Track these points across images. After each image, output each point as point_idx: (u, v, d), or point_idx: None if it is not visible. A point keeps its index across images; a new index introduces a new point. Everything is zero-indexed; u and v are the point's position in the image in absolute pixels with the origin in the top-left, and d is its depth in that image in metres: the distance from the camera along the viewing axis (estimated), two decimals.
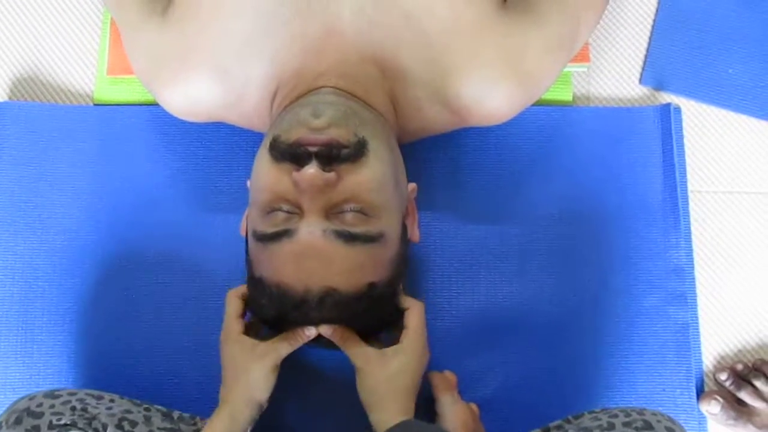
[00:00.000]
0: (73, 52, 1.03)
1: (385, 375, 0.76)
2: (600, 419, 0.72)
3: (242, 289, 0.81)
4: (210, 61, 0.82)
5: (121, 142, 0.98)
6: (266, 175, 0.74)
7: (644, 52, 1.03)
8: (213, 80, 0.83)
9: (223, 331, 0.81)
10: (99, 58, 1.02)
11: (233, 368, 0.78)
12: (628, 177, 0.97)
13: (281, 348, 0.77)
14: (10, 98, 1.02)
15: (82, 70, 1.03)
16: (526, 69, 0.82)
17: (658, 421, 0.70)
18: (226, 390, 0.78)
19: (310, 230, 0.70)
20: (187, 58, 0.83)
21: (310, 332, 0.75)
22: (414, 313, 0.79)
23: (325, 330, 0.75)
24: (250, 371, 0.77)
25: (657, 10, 1.04)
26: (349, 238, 0.71)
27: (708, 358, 0.95)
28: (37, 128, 0.98)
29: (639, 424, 0.69)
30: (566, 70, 1.00)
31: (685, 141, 1.00)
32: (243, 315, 0.81)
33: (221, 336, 0.81)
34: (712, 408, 0.90)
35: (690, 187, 0.99)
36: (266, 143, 0.75)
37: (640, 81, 1.02)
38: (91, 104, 1.01)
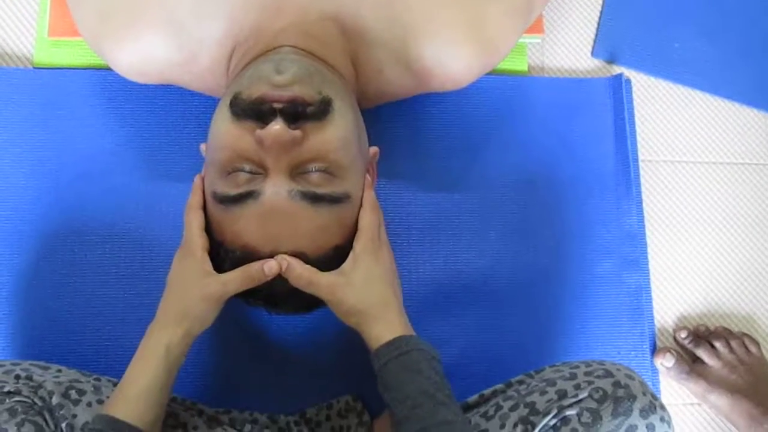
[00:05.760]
0: (10, 12, 0.97)
1: (355, 293, 0.71)
2: (562, 370, 0.73)
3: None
4: (164, 15, 0.79)
5: (63, 108, 0.93)
6: (227, 133, 0.70)
7: (596, 25, 1.05)
8: (166, 36, 0.79)
9: (183, 245, 0.74)
10: (39, 19, 0.96)
11: (181, 287, 0.72)
12: (582, 146, 0.99)
13: (231, 283, 0.69)
14: None
15: (21, 31, 0.97)
16: (486, 33, 0.82)
17: (618, 370, 0.71)
18: (165, 310, 0.72)
19: (276, 191, 0.68)
20: (139, 12, 0.79)
21: (270, 270, 0.68)
22: (366, 212, 0.73)
23: (281, 261, 0.68)
24: (196, 300, 0.70)
25: None
26: (315, 199, 0.69)
27: (659, 321, 0.97)
28: None
29: (600, 372, 0.70)
30: (521, 41, 1.01)
31: (635, 112, 1.02)
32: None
33: (179, 250, 0.74)
34: (666, 361, 0.92)
35: (640, 157, 1.01)
36: (226, 101, 0.72)
37: (592, 53, 1.04)
38: (31, 67, 0.96)
